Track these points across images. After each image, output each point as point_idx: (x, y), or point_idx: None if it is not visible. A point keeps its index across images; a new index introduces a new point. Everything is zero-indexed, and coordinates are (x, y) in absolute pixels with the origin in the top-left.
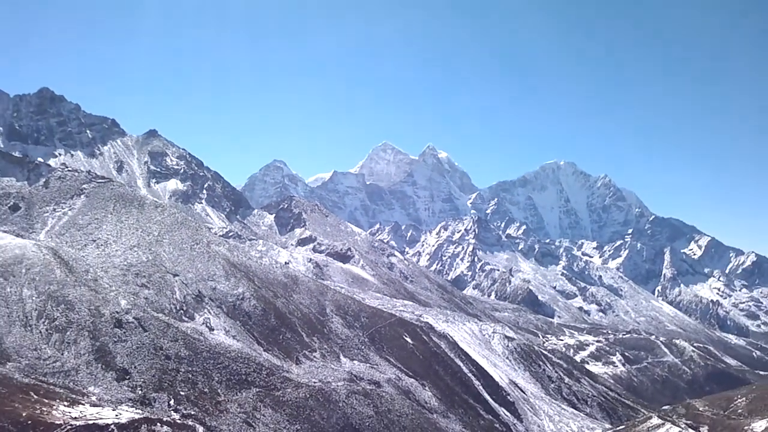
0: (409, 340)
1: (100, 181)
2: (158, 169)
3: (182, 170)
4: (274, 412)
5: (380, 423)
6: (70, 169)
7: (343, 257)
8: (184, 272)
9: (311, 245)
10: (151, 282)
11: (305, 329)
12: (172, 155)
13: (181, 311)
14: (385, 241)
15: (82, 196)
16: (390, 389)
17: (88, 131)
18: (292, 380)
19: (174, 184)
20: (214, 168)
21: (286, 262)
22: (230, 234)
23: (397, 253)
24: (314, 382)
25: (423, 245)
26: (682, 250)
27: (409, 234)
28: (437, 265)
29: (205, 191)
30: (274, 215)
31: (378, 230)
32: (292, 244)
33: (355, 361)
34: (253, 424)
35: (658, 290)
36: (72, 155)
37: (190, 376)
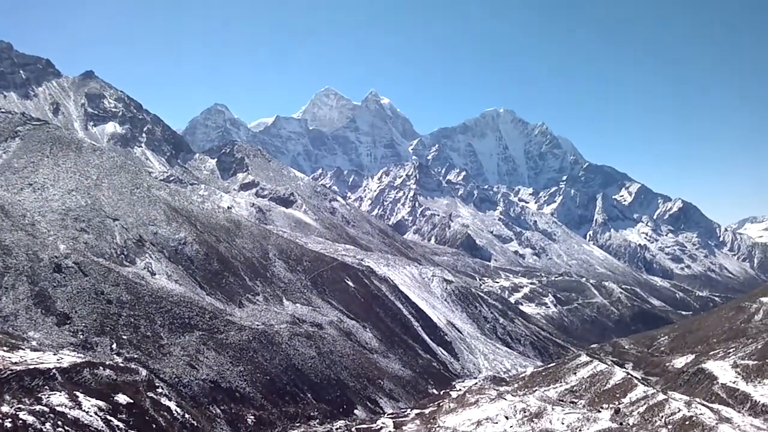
0: (350, 283)
1: (36, 123)
2: (96, 112)
3: (121, 113)
4: (218, 354)
5: (322, 363)
6: (3, 110)
7: (286, 202)
8: (124, 217)
9: (254, 190)
10: (90, 226)
11: (248, 273)
12: (110, 97)
13: (122, 256)
14: (328, 186)
15: (17, 139)
16: (332, 331)
17: (21, 71)
18: (235, 323)
19: (112, 127)
20: (154, 111)
21: (228, 207)
22: (171, 178)
23: (339, 198)
24: (257, 325)
25: (365, 190)
26: (613, 197)
27: (351, 179)
28: (379, 210)
29: (144, 135)
30: (216, 160)
31: (321, 175)
32: (234, 189)
33: (297, 304)
34: (197, 366)
35: (589, 235)
36: (5, 96)
37: (133, 320)
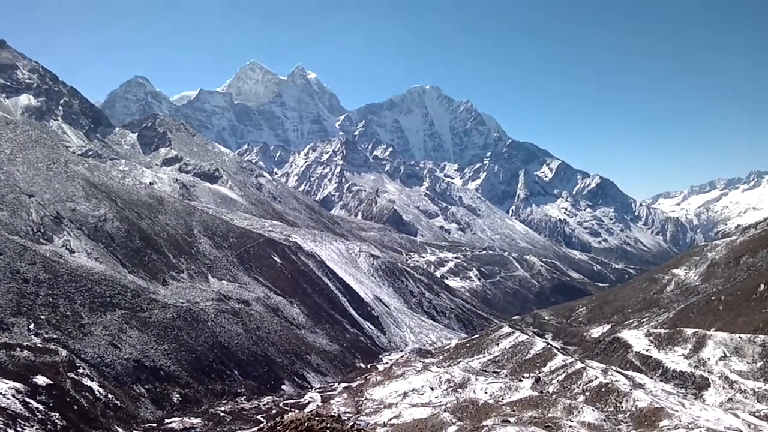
0: (277, 259)
1: None
2: (8, 83)
3: (35, 85)
4: (141, 333)
5: (249, 340)
6: None
7: (211, 178)
8: (40, 193)
9: (177, 165)
10: (4, 203)
11: (172, 250)
12: (23, 68)
13: (39, 233)
14: (254, 161)
15: None
16: (259, 307)
17: None
18: (159, 301)
19: (26, 99)
20: (71, 83)
21: (150, 183)
22: (90, 153)
23: (265, 174)
24: (182, 303)
25: (291, 166)
26: (535, 173)
27: (277, 155)
28: (306, 185)
29: (61, 107)
30: (137, 134)
31: (246, 151)
32: (156, 164)
33: (223, 281)
34: (119, 345)
35: (512, 210)
36: None
37: (51, 299)
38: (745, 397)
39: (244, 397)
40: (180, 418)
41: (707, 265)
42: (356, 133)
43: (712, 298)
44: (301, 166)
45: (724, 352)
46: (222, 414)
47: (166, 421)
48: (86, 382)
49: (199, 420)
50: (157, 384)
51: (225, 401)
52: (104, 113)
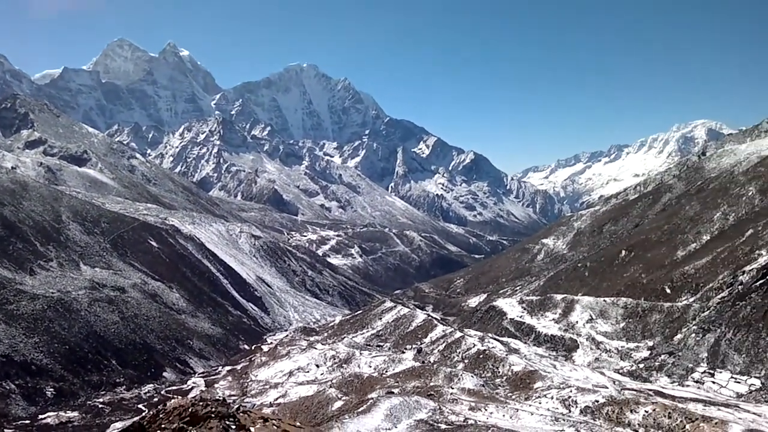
0: (154, 243)
1: None
2: None
3: None
4: (8, 326)
5: (127, 328)
6: None
7: (79, 160)
8: None
9: (41, 148)
10: None
11: (39, 238)
12: None
13: None
14: (125, 142)
15: None
16: (136, 294)
17: None
18: (26, 292)
19: None
20: None
21: (12, 167)
22: None
23: (138, 155)
24: (52, 293)
25: (166, 147)
26: (412, 150)
27: (150, 135)
28: (182, 166)
29: None
30: None
31: (117, 131)
32: (18, 148)
33: (96, 269)
34: None
35: (391, 186)
36: None
37: None
38: (610, 356)
39: (124, 386)
40: (55, 413)
41: (574, 234)
42: (233, 112)
43: (579, 265)
44: (177, 147)
45: (591, 315)
46: (101, 405)
47: (40, 417)
48: None
49: (76, 413)
50: (28, 379)
51: (103, 392)
52: None
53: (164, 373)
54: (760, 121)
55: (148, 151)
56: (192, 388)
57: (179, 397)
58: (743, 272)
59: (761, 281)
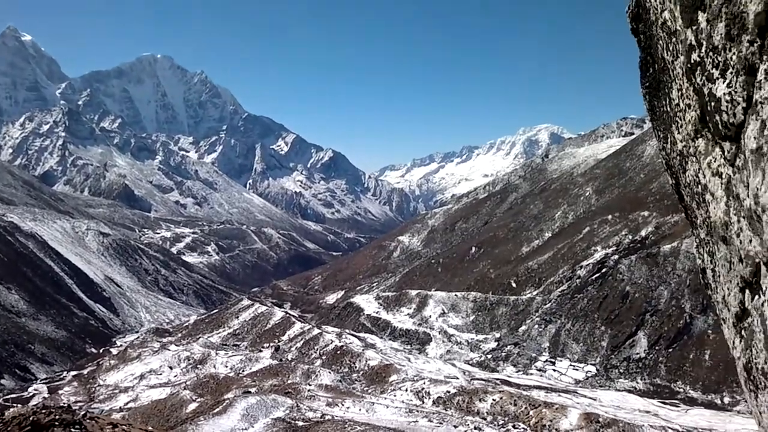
0: None
1: None
2: None
3: None
4: None
5: None
6: None
7: None
8: None
9: None
10: None
11: None
12: None
13: None
14: None
15: None
16: None
17: None
18: None
19: None
20: None
21: None
22: None
23: None
24: None
25: (5, 138)
26: (271, 146)
27: None
28: (22, 159)
29: None
30: None
31: None
32: None
33: None
34: None
35: (249, 183)
36: None
37: None
38: (461, 348)
39: None
40: None
41: (428, 232)
42: (80, 102)
43: (432, 261)
44: (17, 138)
45: (443, 310)
46: None
47: None
48: None
49: None
50: None
51: None
52: None
53: (1, 381)
54: (597, 127)
55: None
56: (34, 395)
57: (19, 405)
58: (581, 267)
59: (596, 275)
